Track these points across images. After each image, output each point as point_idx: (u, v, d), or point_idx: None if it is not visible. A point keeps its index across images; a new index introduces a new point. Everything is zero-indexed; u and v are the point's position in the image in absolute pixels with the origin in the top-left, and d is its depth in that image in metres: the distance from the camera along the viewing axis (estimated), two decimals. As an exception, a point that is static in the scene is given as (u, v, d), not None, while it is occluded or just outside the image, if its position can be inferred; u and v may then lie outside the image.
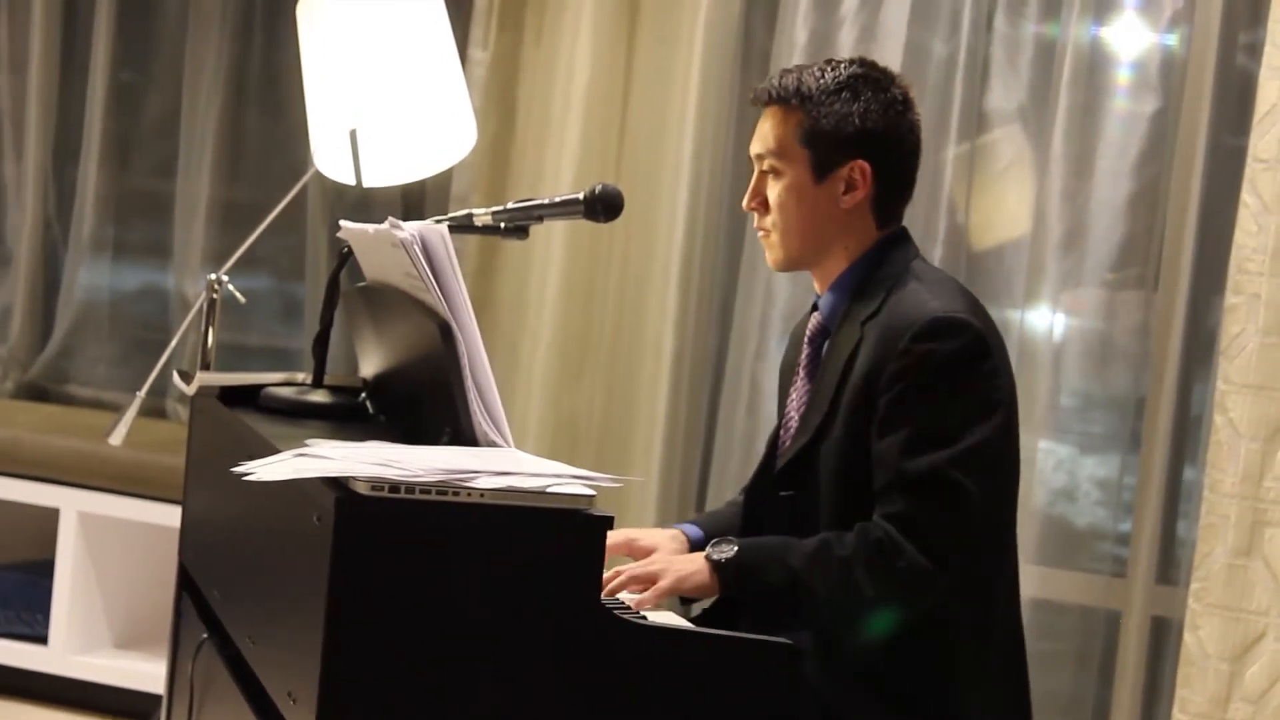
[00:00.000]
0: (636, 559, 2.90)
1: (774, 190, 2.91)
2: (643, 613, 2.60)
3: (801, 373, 2.97)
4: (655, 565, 2.74)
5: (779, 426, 3.02)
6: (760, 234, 2.97)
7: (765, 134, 2.93)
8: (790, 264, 2.96)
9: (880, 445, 2.73)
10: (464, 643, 2.22)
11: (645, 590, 2.70)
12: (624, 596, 2.70)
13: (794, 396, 2.97)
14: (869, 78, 2.91)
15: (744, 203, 2.97)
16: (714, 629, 2.45)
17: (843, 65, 2.92)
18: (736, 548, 2.72)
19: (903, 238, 2.95)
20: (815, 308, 2.98)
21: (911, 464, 2.69)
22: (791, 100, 2.89)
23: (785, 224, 2.91)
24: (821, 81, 2.88)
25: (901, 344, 2.72)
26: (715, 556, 2.72)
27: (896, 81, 2.94)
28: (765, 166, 2.93)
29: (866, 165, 2.88)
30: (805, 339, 2.98)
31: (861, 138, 2.87)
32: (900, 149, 2.93)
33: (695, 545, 2.99)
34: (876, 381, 2.74)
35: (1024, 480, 4.38)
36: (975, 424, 2.71)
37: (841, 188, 2.88)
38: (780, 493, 2.89)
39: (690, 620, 2.79)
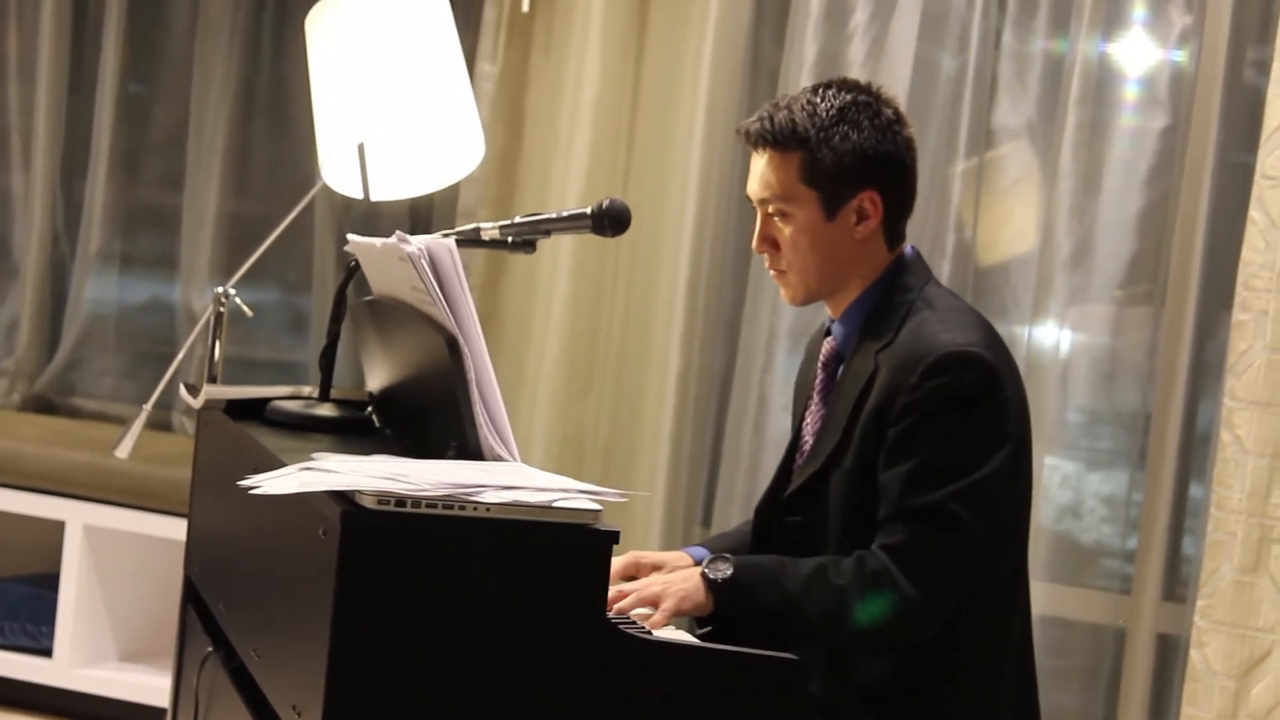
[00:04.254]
0: (642, 576, 2.90)
1: (784, 232, 2.87)
2: (648, 628, 2.60)
3: (816, 397, 2.96)
4: (655, 587, 2.73)
5: (793, 445, 3.00)
6: (774, 274, 2.93)
7: (767, 179, 2.88)
8: (809, 300, 2.93)
9: (885, 476, 2.72)
10: (469, 657, 2.21)
11: (652, 612, 2.70)
12: (635, 614, 2.69)
13: (809, 420, 2.96)
14: (859, 103, 2.85)
15: (753, 246, 2.93)
16: (721, 644, 2.44)
17: (830, 93, 2.86)
18: (732, 567, 2.72)
19: (914, 260, 2.92)
20: (829, 331, 2.97)
21: (913, 497, 2.68)
22: (789, 144, 2.84)
23: (802, 264, 2.88)
24: (815, 117, 2.83)
25: (913, 378, 2.71)
26: (711, 575, 2.71)
27: (885, 99, 2.89)
28: (771, 210, 2.88)
29: (876, 194, 2.85)
30: (820, 363, 2.97)
31: (867, 168, 2.84)
32: (902, 169, 2.89)
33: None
34: (888, 413, 2.73)
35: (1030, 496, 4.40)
36: (981, 458, 2.70)
37: (854, 219, 2.85)
38: (789, 518, 2.88)
39: (698, 637, 2.78)
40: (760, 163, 2.90)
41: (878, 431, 2.74)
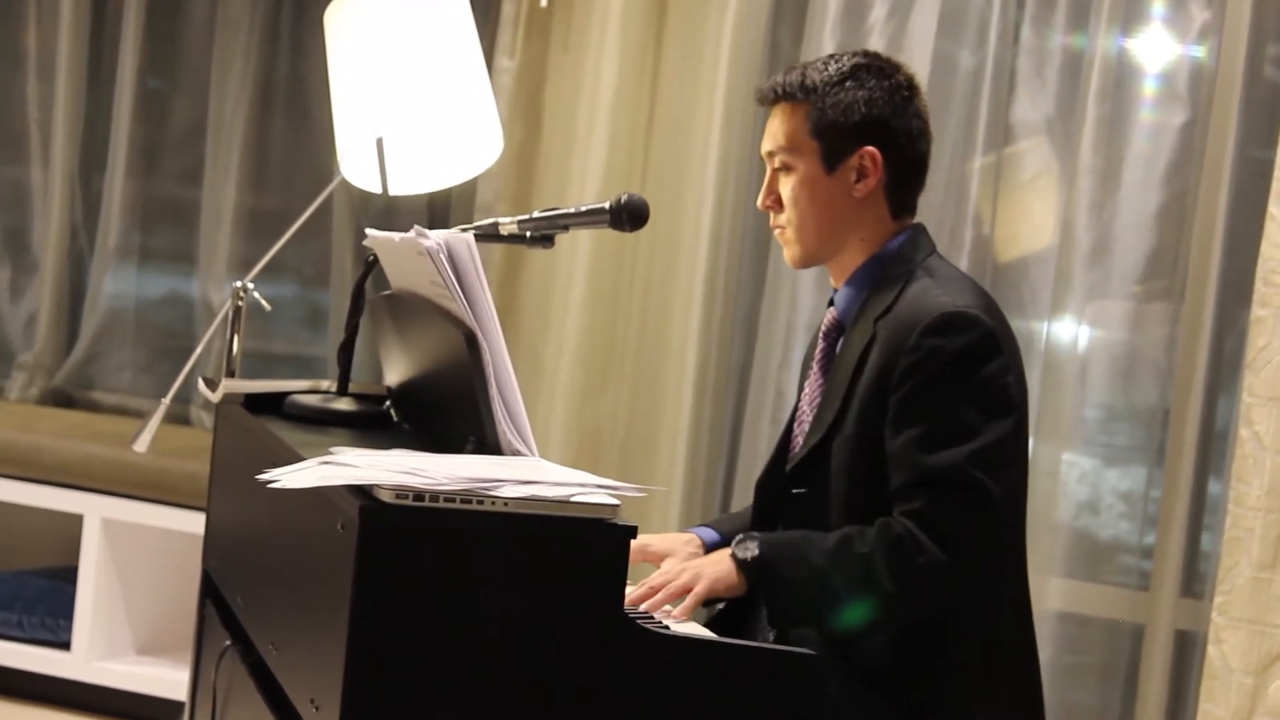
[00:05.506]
0: (651, 564, 2.91)
1: (787, 186, 2.93)
2: (665, 621, 2.60)
3: (816, 368, 2.98)
4: (686, 576, 2.73)
5: (792, 420, 3.01)
6: (777, 231, 2.98)
7: (774, 131, 2.94)
8: (808, 259, 2.96)
9: (896, 443, 2.72)
10: (487, 651, 2.22)
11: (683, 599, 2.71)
12: (660, 613, 2.70)
13: (808, 391, 2.98)
14: (872, 66, 2.92)
15: (759, 201, 2.98)
16: (734, 636, 2.45)
17: (845, 56, 2.94)
18: (759, 545, 2.72)
19: (918, 233, 2.95)
20: (831, 302, 2.99)
21: (930, 460, 2.68)
22: (797, 95, 2.91)
23: (800, 219, 2.92)
24: (826, 73, 2.90)
25: (911, 340, 2.72)
26: (740, 555, 2.72)
27: (901, 69, 2.95)
28: (777, 164, 2.94)
29: (876, 152, 2.88)
30: (821, 333, 2.99)
31: (869, 124, 2.88)
32: (909, 134, 2.93)
33: (711, 549, 3.00)
34: (889, 379, 2.74)
35: (1048, 492, 4.41)
36: (991, 420, 2.70)
37: (853, 177, 2.89)
38: (793, 490, 2.89)
39: (707, 624, 2.79)
40: (772, 119, 2.97)
41: (878, 398, 2.75)
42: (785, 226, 2.95)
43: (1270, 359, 3.99)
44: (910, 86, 2.94)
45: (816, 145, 2.89)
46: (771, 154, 2.95)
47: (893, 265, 2.89)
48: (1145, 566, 4.53)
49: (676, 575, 2.74)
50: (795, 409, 3.02)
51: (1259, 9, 4.40)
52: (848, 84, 2.89)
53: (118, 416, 5.61)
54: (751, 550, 2.72)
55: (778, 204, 2.95)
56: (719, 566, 2.73)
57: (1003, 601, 2.84)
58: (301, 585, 2.49)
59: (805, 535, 2.75)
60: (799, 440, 2.94)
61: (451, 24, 4.00)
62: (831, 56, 2.95)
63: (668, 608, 2.70)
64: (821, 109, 2.88)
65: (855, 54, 2.95)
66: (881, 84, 2.90)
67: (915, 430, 2.70)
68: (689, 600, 2.69)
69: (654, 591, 2.69)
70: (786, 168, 2.93)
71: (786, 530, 2.83)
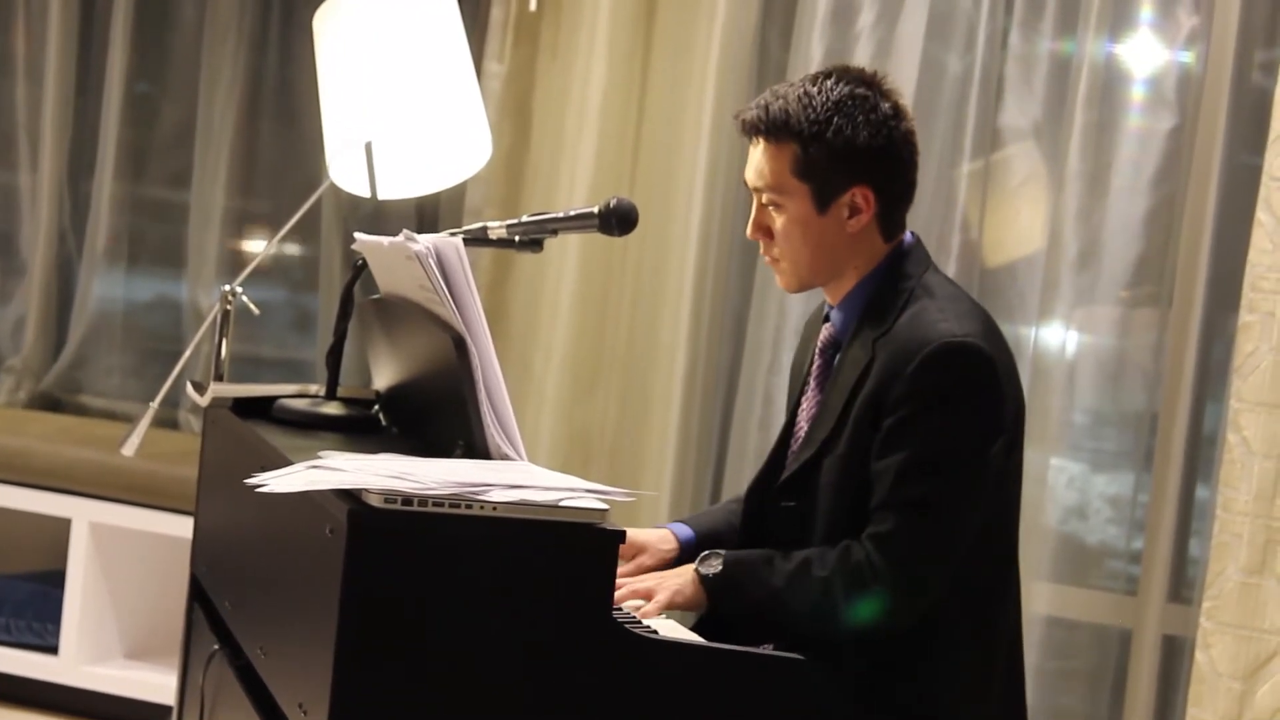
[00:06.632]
0: (624, 557, 2.92)
1: (777, 222, 2.85)
2: (650, 624, 2.61)
3: (812, 383, 2.96)
4: (650, 581, 2.76)
5: (788, 429, 3.00)
6: (768, 260, 2.92)
7: (760, 169, 2.85)
8: (801, 288, 2.93)
9: (878, 465, 2.72)
10: (475, 655, 2.22)
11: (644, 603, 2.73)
12: (625, 606, 2.72)
13: (804, 406, 2.96)
14: (856, 96, 2.81)
15: (747, 233, 2.92)
16: (720, 639, 2.45)
17: (828, 84, 2.81)
18: (723, 563, 2.75)
19: (914, 248, 2.90)
20: (827, 318, 2.97)
21: (905, 488, 2.68)
22: (782, 135, 2.81)
23: (794, 255, 2.86)
24: (810, 109, 2.79)
25: (910, 367, 2.70)
26: (703, 571, 2.75)
27: (885, 93, 2.84)
28: (764, 200, 2.87)
29: (869, 190, 2.82)
30: (817, 349, 2.97)
31: (859, 164, 2.80)
32: (899, 165, 2.85)
33: (684, 545, 3.02)
34: (884, 401, 2.72)
35: (1036, 498, 4.41)
36: (974, 451, 2.70)
37: (846, 214, 2.82)
38: (784, 503, 2.89)
39: (692, 628, 2.80)
40: (756, 151, 2.88)
41: (872, 420, 2.74)
42: (778, 259, 2.89)
43: (1258, 364, 4.00)
44: (898, 113, 2.84)
45: (806, 187, 2.81)
46: (758, 190, 2.87)
47: (889, 283, 2.85)
48: (1133, 571, 4.53)
49: (640, 580, 2.78)
50: (792, 422, 2.99)
51: (1246, 14, 4.40)
52: (835, 121, 2.78)
53: (106, 420, 5.60)
54: (714, 567, 2.75)
55: (767, 236, 2.88)
56: (680, 579, 2.76)
57: (999, 612, 2.84)
58: (290, 590, 2.49)
59: (768, 555, 2.76)
60: (794, 453, 2.93)
61: (440, 29, 4.00)
62: (814, 82, 2.83)
63: (633, 603, 2.73)
64: (808, 151, 2.79)
65: (838, 80, 2.82)
66: (869, 117, 2.80)
67: (898, 456, 2.69)
68: (648, 608, 2.71)
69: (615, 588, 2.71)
70: (775, 204, 2.85)
71: (773, 540, 2.83)
